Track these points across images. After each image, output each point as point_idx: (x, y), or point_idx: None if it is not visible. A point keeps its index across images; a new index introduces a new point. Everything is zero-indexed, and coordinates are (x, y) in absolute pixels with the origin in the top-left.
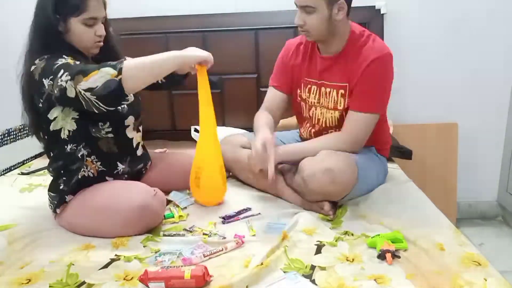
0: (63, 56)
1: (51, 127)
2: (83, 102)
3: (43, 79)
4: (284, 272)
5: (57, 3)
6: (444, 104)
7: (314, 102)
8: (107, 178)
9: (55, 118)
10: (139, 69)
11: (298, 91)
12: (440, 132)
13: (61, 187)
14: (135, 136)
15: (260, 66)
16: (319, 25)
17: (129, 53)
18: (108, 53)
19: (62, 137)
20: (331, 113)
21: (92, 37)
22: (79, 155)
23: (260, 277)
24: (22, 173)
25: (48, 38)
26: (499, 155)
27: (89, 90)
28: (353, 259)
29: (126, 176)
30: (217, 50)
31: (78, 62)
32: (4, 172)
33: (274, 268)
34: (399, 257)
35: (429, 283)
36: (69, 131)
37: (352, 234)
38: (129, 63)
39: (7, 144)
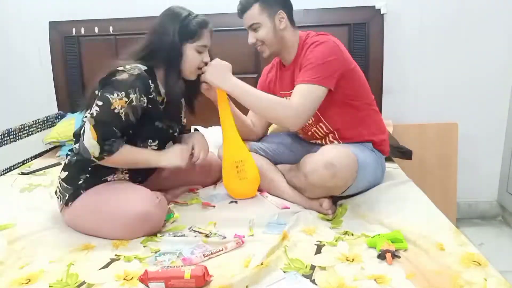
0: (136, 88)
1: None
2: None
3: (105, 86)
4: (284, 272)
5: (180, 28)
6: (444, 104)
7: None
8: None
9: None
10: (122, 164)
11: None
12: (440, 132)
13: (79, 182)
14: None
15: (260, 66)
16: (268, 37)
17: None
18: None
19: None
20: None
21: (198, 63)
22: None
23: (260, 277)
24: (22, 173)
25: (163, 55)
26: (499, 155)
27: (81, 135)
28: (353, 259)
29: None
30: (217, 50)
31: (120, 110)
32: (4, 172)
33: (274, 268)
34: (399, 257)
35: (429, 283)
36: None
37: (352, 234)
38: (117, 158)
39: (7, 144)
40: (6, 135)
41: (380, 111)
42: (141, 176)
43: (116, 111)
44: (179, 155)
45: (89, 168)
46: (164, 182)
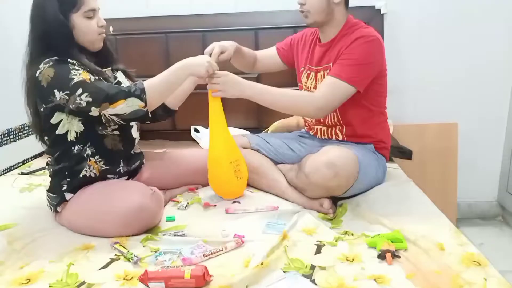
0: (68, 61)
1: (57, 131)
2: (104, 120)
3: (55, 90)
4: (284, 272)
5: (59, 2)
6: (444, 104)
7: (311, 87)
8: (108, 176)
9: (60, 122)
10: (161, 92)
11: (301, 77)
12: (440, 132)
13: (63, 188)
14: (137, 136)
15: None
16: (319, 5)
17: (129, 52)
18: (104, 46)
19: (69, 139)
20: None
21: (95, 29)
22: (85, 155)
23: (260, 277)
24: (22, 173)
25: (56, 39)
26: (499, 155)
27: (116, 115)
28: (353, 259)
29: (126, 176)
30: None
31: (90, 77)
32: (4, 172)
33: (274, 268)
34: (399, 257)
35: (429, 283)
36: (76, 132)
37: (352, 234)
38: (151, 90)
39: (7, 144)
40: (6, 135)
41: None
42: (117, 158)
43: (93, 79)
44: (204, 65)
45: (67, 172)
46: (163, 182)
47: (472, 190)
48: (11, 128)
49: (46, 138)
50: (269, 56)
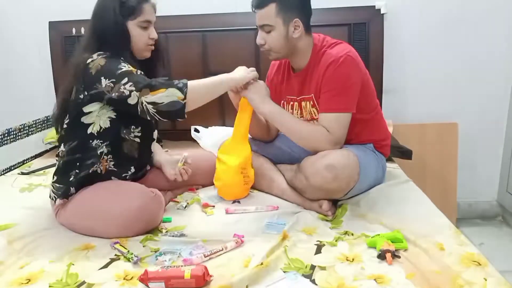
0: (121, 58)
1: (82, 119)
2: (139, 110)
3: (102, 77)
4: (284, 272)
5: (120, 5)
6: (444, 104)
7: (298, 116)
8: (112, 178)
9: (89, 112)
10: (201, 94)
11: (285, 107)
12: (440, 132)
13: (70, 179)
14: (153, 151)
15: (260, 66)
16: (278, 42)
17: None
18: (156, 57)
19: (89, 132)
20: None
21: (146, 40)
22: (99, 151)
23: (260, 277)
24: (22, 173)
25: (112, 40)
26: (499, 155)
27: (153, 103)
28: (353, 259)
29: (130, 179)
30: (217, 50)
31: (139, 72)
32: (4, 172)
33: (274, 268)
34: (399, 257)
35: (429, 283)
36: (100, 127)
37: (352, 234)
38: (193, 88)
39: (7, 144)
40: (6, 135)
41: None
42: (127, 164)
43: (139, 73)
44: (244, 71)
45: (77, 163)
46: (164, 182)
47: (472, 190)
48: (11, 128)
49: (65, 126)
50: None
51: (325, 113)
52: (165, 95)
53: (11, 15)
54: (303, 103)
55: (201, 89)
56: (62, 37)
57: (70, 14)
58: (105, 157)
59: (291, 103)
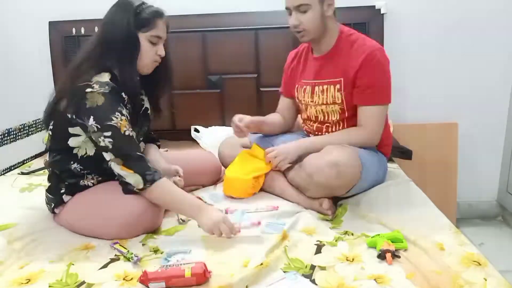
0: (122, 95)
1: (69, 142)
2: (106, 164)
3: (91, 116)
4: (284, 272)
5: (133, 16)
6: (444, 104)
7: (308, 101)
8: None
9: (75, 135)
10: (159, 201)
11: (296, 93)
12: (440, 132)
13: (61, 191)
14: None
15: (260, 66)
16: (315, 21)
17: None
18: (162, 74)
19: (75, 152)
20: (331, 108)
21: (153, 56)
22: (81, 173)
23: (260, 277)
24: (22, 173)
25: (119, 47)
26: (499, 155)
27: (117, 174)
28: (353, 259)
29: None
30: (217, 50)
31: (126, 129)
32: (4, 172)
33: (274, 268)
34: (399, 257)
35: (429, 283)
36: (86, 153)
37: (352, 234)
38: (156, 191)
39: (7, 144)
40: (6, 135)
41: None
42: (114, 176)
43: (127, 133)
44: (215, 228)
45: (62, 177)
46: None
47: (472, 190)
48: (11, 128)
49: (50, 132)
50: (286, 106)
51: (367, 106)
52: (130, 177)
53: (11, 15)
54: (318, 87)
55: (162, 198)
56: (62, 37)
57: (70, 14)
58: (89, 176)
59: (304, 87)
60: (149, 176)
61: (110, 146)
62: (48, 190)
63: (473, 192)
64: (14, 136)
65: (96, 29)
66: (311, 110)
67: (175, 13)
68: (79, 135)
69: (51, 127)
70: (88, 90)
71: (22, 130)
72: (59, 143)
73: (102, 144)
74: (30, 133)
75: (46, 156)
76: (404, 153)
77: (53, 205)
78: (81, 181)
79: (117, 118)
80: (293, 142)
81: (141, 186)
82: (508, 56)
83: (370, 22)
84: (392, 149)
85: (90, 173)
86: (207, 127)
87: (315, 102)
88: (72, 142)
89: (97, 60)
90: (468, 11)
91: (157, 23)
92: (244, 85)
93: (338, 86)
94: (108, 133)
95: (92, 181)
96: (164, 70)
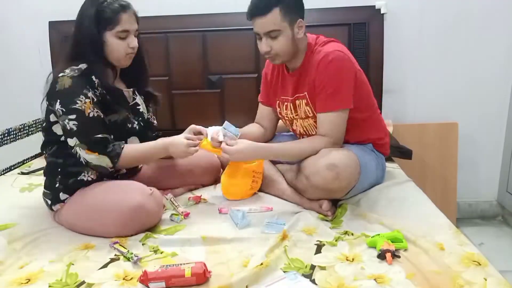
0: (92, 78)
1: (54, 128)
2: (74, 151)
3: (58, 100)
4: (284, 271)
5: (96, 16)
6: (444, 104)
7: (292, 117)
8: (105, 179)
9: (56, 121)
10: (134, 162)
11: (278, 109)
12: (440, 132)
13: (56, 185)
14: None
15: (260, 66)
16: (286, 46)
17: None
18: (136, 65)
19: (62, 139)
20: (308, 122)
21: (124, 49)
22: (81, 159)
23: (260, 276)
24: (22, 173)
25: (86, 50)
26: (499, 155)
27: (84, 159)
28: (353, 259)
29: (125, 177)
30: (217, 50)
31: (91, 111)
32: (4, 171)
33: (274, 268)
34: (399, 257)
35: (429, 283)
36: None
37: (352, 234)
38: (125, 158)
39: (7, 144)
40: (6, 135)
41: (380, 111)
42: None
43: (91, 115)
44: (183, 149)
45: (59, 169)
46: (163, 182)
47: (472, 190)
48: (11, 128)
49: (42, 128)
50: (267, 115)
51: (322, 113)
52: (96, 159)
53: (11, 15)
54: (297, 101)
55: (135, 158)
56: (62, 37)
57: (70, 14)
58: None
59: (285, 103)
60: (113, 152)
61: (75, 129)
62: (45, 186)
63: (473, 192)
64: (14, 136)
65: None
66: (298, 123)
67: (175, 13)
68: (58, 122)
69: (43, 124)
70: (60, 74)
71: (22, 130)
72: (49, 134)
73: (67, 127)
74: (30, 133)
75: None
76: (404, 153)
77: (49, 202)
78: (82, 174)
79: (81, 101)
80: (256, 144)
81: (111, 164)
82: (508, 56)
83: (370, 22)
84: (392, 149)
85: None
86: (207, 127)
87: (299, 116)
88: (56, 128)
89: (72, 59)
90: (468, 11)
91: (121, 18)
92: (244, 85)
93: (304, 100)
94: (73, 116)
95: (91, 176)
96: (138, 60)
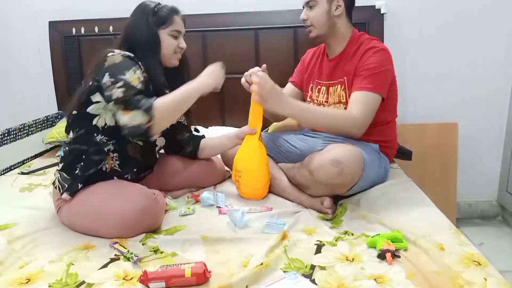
0: (136, 65)
1: (89, 110)
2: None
3: (106, 73)
4: (284, 271)
5: (153, 16)
6: (444, 104)
7: (322, 101)
8: (114, 177)
9: (97, 102)
10: (169, 112)
11: (309, 92)
12: (440, 132)
13: (76, 171)
14: (158, 155)
15: (260, 67)
16: (320, 18)
17: None
18: (181, 68)
19: (94, 123)
20: (338, 107)
21: (174, 47)
22: (106, 148)
23: (260, 276)
24: (22, 173)
25: (142, 45)
26: (499, 155)
27: (123, 124)
28: (353, 259)
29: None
30: (217, 50)
31: (137, 84)
32: (4, 172)
33: (274, 268)
34: (399, 256)
35: (429, 283)
36: (105, 123)
37: (352, 234)
38: (160, 109)
39: (7, 144)
40: (6, 135)
41: None
42: (131, 165)
43: (138, 86)
44: (213, 75)
45: (83, 156)
46: (165, 183)
47: (472, 190)
48: (11, 128)
49: (74, 113)
50: (290, 93)
51: (355, 91)
52: (130, 118)
53: (11, 15)
54: (331, 88)
55: (169, 107)
56: (62, 37)
57: (70, 14)
58: (111, 154)
59: (319, 87)
60: (145, 105)
61: (121, 95)
62: (63, 170)
63: (473, 192)
64: (14, 136)
65: (97, 29)
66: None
67: None
68: (98, 102)
69: (76, 109)
70: (110, 54)
71: (22, 130)
72: (81, 119)
73: (114, 96)
74: (30, 133)
75: (47, 156)
76: (404, 154)
77: (66, 186)
78: (102, 163)
79: (130, 74)
80: (286, 98)
81: (147, 119)
82: (508, 56)
83: (370, 22)
84: None
85: (114, 151)
86: (207, 127)
87: (329, 102)
88: (92, 109)
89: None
90: (468, 11)
91: (175, 19)
92: None
93: (342, 86)
94: (120, 84)
95: (108, 164)
96: (182, 62)
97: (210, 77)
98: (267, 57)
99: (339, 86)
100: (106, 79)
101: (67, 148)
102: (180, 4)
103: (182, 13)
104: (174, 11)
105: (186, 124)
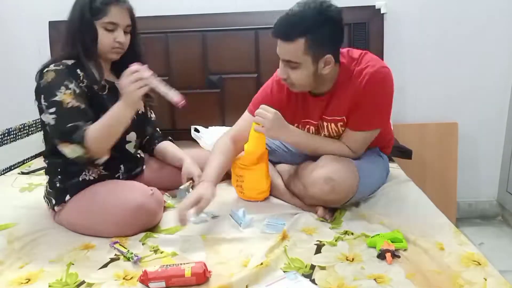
0: (70, 77)
1: (46, 127)
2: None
3: (42, 96)
4: (284, 271)
5: (88, 5)
6: (444, 104)
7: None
8: (106, 180)
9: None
10: (104, 138)
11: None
12: (440, 132)
13: (57, 185)
14: (135, 150)
15: (260, 66)
16: (305, 80)
17: None
18: (130, 60)
19: None
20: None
21: (110, 42)
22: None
23: (260, 276)
24: (22, 173)
25: (79, 36)
26: (499, 155)
27: (63, 152)
28: (353, 259)
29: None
30: (217, 50)
31: (70, 101)
32: (4, 171)
33: (274, 268)
34: (399, 256)
35: (429, 283)
36: None
37: (352, 234)
38: (92, 136)
39: (7, 144)
40: (6, 135)
41: None
42: (115, 165)
43: (70, 105)
44: (127, 81)
45: (59, 169)
46: (163, 182)
47: (472, 190)
48: (11, 128)
49: (42, 127)
50: (250, 125)
51: (353, 131)
52: (71, 151)
53: (11, 15)
54: (325, 123)
55: (100, 132)
56: (62, 37)
57: None
58: (95, 161)
59: (307, 126)
60: (77, 139)
61: (53, 123)
62: (48, 184)
63: (473, 192)
64: (14, 136)
65: None
66: None
67: (175, 13)
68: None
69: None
70: (45, 69)
71: (22, 130)
72: (46, 132)
73: (47, 123)
74: (30, 133)
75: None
76: (404, 153)
77: (53, 201)
78: (84, 173)
79: (61, 92)
80: (290, 127)
81: (84, 151)
82: (508, 56)
83: (370, 22)
84: (392, 149)
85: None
86: (207, 127)
87: (320, 134)
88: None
89: (66, 51)
90: (468, 11)
91: (110, 10)
92: (244, 85)
93: (341, 123)
94: (53, 109)
95: (94, 172)
96: (132, 58)
97: (128, 96)
98: (267, 57)
99: (333, 124)
100: (42, 102)
101: (46, 161)
102: (181, 4)
103: (126, 4)
104: (110, 0)
105: (153, 118)
